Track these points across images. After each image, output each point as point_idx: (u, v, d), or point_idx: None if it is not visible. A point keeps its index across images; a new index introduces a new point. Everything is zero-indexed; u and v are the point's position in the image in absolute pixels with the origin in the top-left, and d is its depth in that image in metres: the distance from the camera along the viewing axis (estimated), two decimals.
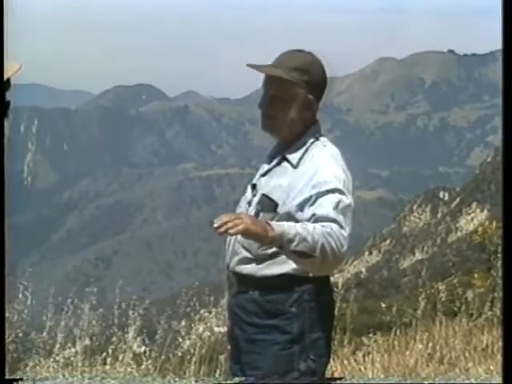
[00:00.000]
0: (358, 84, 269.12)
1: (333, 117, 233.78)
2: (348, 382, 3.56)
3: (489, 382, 4.16)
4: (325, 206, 3.18)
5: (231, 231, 3.01)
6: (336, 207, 3.18)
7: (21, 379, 3.40)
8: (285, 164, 3.40)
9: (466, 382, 4.25)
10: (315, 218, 3.17)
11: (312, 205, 3.22)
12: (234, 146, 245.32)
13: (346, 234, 3.16)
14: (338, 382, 3.48)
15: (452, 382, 3.97)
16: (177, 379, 4.14)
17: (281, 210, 3.30)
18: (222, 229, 3.01)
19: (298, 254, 3.12)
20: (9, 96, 3.00)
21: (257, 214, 3.36)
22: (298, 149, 3.39)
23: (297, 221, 3.25)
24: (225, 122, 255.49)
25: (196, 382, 3.73)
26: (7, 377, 3.49)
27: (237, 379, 3.39)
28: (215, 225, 3.02)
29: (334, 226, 3.13)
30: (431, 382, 4.20)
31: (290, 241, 3.08)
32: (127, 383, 4.75)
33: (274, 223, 3.13)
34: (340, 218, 3.17)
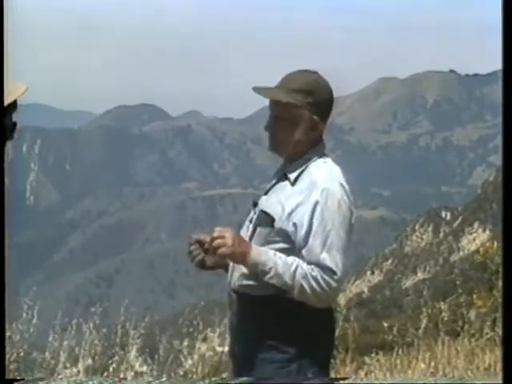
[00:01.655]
0: (359, 103, 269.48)
1: (335, 137, 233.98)
2: (351, 382, 3.57)
3: (489, 382, 4.16)
4: (313, 250, 3.24)
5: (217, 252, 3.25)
6: (328, 248, 3.23)
7: (22, 379, 3.40)
8: (284, 181, 3.43)
9: (467, 381, 4.24)
10: (306, 262, 3.24)
11: (306, 234, 3.26)
12: (236, 166, 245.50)
13: (337, 276, 3.22)
14: (341, 382, 3.48)
15: (452, 381, 3.97)
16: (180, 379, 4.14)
17: (277, 224, 3.32)
18: (211, 246, 3.27)
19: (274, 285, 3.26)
20: (15, 117, 3.02)
21: (254, 229, 3.41)
22: (298, 166, 3.41)
23: (292, 241, 3.30)
24: (227, 142, 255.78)
25: (198, 381, 3.74)
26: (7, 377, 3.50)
27: (239, 379, 3.39)
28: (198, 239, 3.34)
29: (323, 272, 3.20)
30: (433, 381, 4.20)
31: (264, 272, 3.24)
32: None
33: (256, 250, 3.26)
34: (330, 260, 3.22)
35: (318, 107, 3.39)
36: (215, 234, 3.23)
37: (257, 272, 3.25)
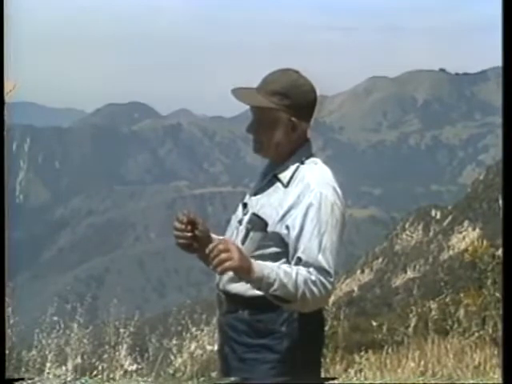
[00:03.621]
0: (350, 102, 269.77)
1: (325, 135, 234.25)
2: (343, 382, 3.58)
3: (489, 382, 4.18)
4: (310, 251, 3.20)
5: (218, 269, 3.08)
6: (323, 250, 3.21)
7: (22, 379, 3.41)
8: (276, 183, 3.40)
9: (467, 382, 4.26)
10: (302, 264, 3.20)
11: (298, 236, 3.24)
12: (226, 165, 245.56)
13: (332, 279, 3.19)
14: (331, 381, 3.49)
15: (451, 381, 3.98)
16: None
17: (270, 228, 3.30)
18: (215, 261, 3.06)
19: (276, 297, 3.18)
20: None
21: (247, 233, 3.37)
22: (289, 168, 3.38)
23: (285, 243, 3.28)
24: (217, 140, 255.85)
25: (191, 381, 3.74)
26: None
27: (228, 379, 3.38)
28: (208, 249, 3.08)
29: (319, 275, 3.17)
30: (427, 381, 4.22)
31: (269, 285, 3.14)
32: None
33: (257, 263, 3.16)
34: (326, 262, 3.19)
35: (295, 109, 3.36)
36: (221, 247, 3.08)
37: (261, 286, 3.16)
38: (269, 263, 3.20)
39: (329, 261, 3.20)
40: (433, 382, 3.94)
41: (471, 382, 4.49)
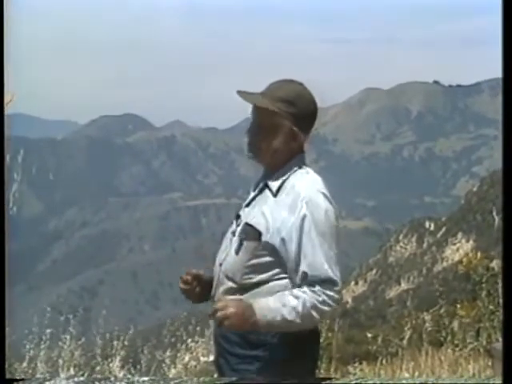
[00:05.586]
0: (344, 114, 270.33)
1: (319, 147, 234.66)
2: (340, 382, 3.56)
3: (489, 382, 4.16)
4: (315, 263, 3.19)
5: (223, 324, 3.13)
6: (327, 260, 3.20)
7: (22, 379, 3.39)
8: (266, 192, 3.39)
9: (468, 382, 4.23)
10: (308, 280, 3.19)
11: (298, 249, 3.22)
12: (220, 176, 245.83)
13: (338, 288, 3.20)
14: (328, 381, 3.47)
15: (450, 381, 3.95)
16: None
17: (263, 238, 3.28)
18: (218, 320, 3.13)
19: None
20: None
21: (240, 243, 3.36)
22: (279, 177, 3.37)
23: (280, 256, 3.27)
24: (211, 152, 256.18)
25: (190, 381, 3.71)
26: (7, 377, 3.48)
27: (229, 379, 3.38)
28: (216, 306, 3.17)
29: (327, 289, 3.17)
30: (418, 382, 4.19)
31: (276, 328, 3.18)
32: None
33: (259, 310, 3.16)
34: (332, 272, 3.19)
35: (299, 118, 3.36)
36: (218, 305, 3.14)
37: (269, 330, 3.21)
38: (270, 300, 3.19)
39: (334, 270, 3.20)
40: (430, 382, 3.90)
41: (470, 382, 4.46)
